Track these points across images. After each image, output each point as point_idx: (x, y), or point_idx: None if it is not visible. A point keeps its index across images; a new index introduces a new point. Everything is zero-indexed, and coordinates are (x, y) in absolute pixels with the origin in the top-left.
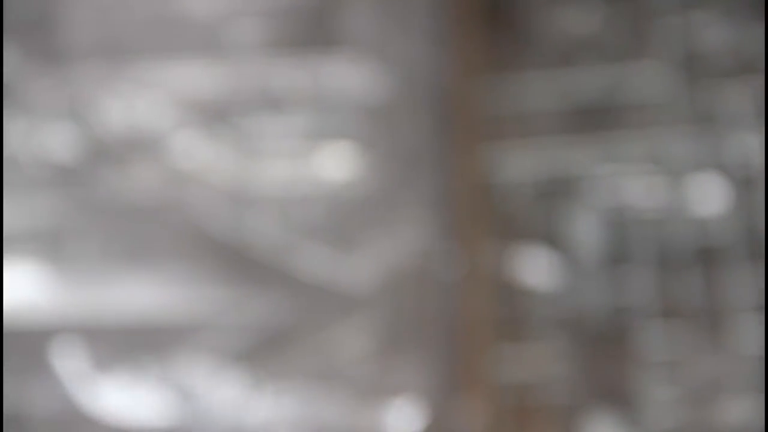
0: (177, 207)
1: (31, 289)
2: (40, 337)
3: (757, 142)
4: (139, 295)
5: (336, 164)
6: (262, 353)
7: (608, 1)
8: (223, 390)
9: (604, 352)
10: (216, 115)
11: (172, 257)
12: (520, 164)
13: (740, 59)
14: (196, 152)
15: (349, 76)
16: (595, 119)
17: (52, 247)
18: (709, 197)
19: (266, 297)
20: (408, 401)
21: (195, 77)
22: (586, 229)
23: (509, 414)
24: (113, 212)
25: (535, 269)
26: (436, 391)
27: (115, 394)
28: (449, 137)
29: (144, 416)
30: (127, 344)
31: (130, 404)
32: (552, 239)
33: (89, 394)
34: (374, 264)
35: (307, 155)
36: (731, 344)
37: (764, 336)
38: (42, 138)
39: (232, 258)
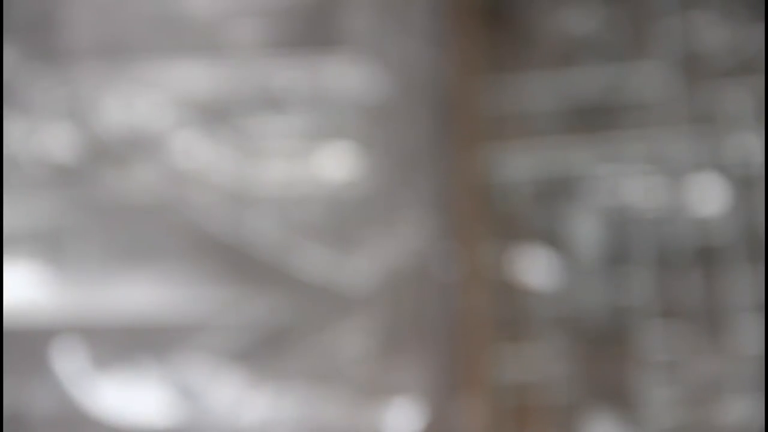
0: (177, 207)
1: (31, 289)
2: (40, 337)
3: (757, 142)
4: (139, 295)
5: (336, 164)
6: (262, 353)
7: (608, 2)
8: (222, 390)
9: (603, 352)
10: (216, 115)
11: (172, 257)
12: (520, 164)
13: (740, 59)
14: (196, 152)
15: (349, 76)
16: (595, 119)
17: (52, 247)
18: (709, 197)
19: (266, 297)
20: (408, 401)
21: (195, 77)
22: (586, 229)
23: (509, 414)
24: (113, 212)
25: (535, 269)
26: (436, 391)
27: (115, 394)
28: (449, 137)
29: (144, 416)
30: (127, 344)
31: (130, 404)
32: (552, 239)
33: (89, 394)
34: (374, 264)
35: (306, 155)
36: (731, 344)
37: (764, 336)
38: (42, 138)
39: (232, 258)
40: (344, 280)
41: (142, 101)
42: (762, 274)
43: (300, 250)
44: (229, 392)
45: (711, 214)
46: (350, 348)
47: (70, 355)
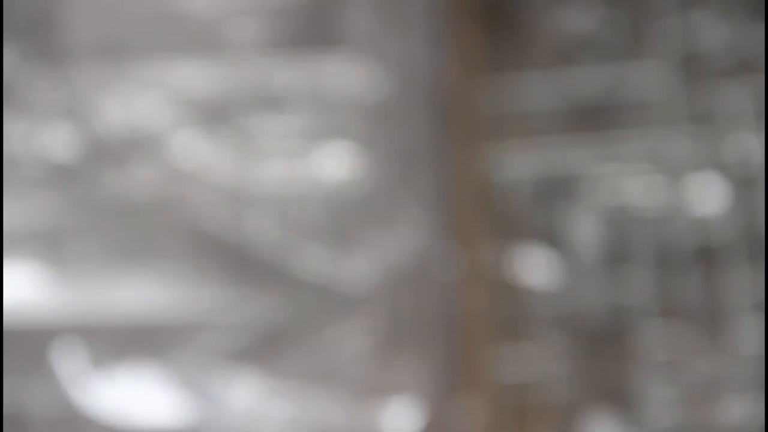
0: (177, 206)
1: (31, 289)
2: (40, 337)
3: (757, 142)
4: (139, 295)
5: (335, 164)
6: (262, 353)
7: (608, 1)
8: (222, 390)
9: (603, 351)
10: (216, 115)
11: (172, 257)
12: (520, 164)
13: (740, 59)
14: (196, 152)
15: (349, 76)
16: (595, 119)
17: (52, 247)
18: (709, 197)
19: (266, 297)
20: (407, 401)
21: (195, 77)
22: (585, 229)
23: (509, 414)
24: (113, 212)
25: (535, 269)
26: (435, 390)
27: (115, 394)
28: (449, 137)
29: (144, 416)
30: (127, 344)
31: (130, 404)
32: (552, 239)
33: (89, 394)
34: (374, 264)
35: (306, 155)
36: (731, 344)
37: (764, 336)
38: (42, 138)
39: (232, 258)
40: (344, 279)
41: (142, 101)
42: (762, 274)
43: (300, 249)
44: (229, 392)
45: (711, 213)
46: (350, 347)
47: (69, 355)
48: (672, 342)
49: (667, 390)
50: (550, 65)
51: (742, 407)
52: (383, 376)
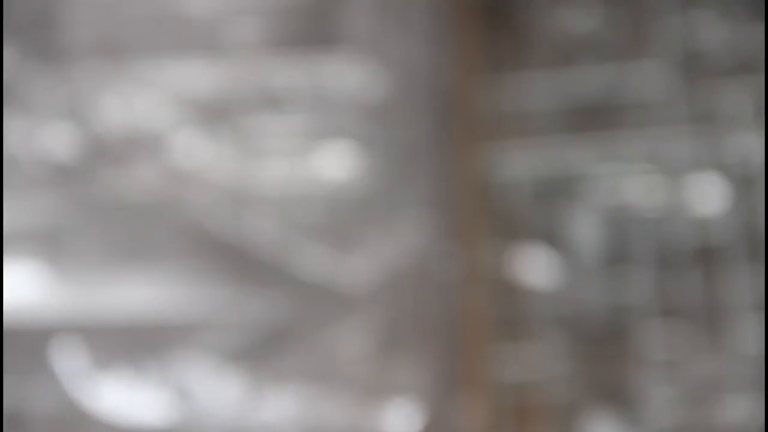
0: (177, 206)
1: (31, 288)
2: (40, 337)
3: (756, 142)
4: (139, 294)
5: (335, 163)
6: (262, 353)
7: (608, 1)
8: (222, 389)
9: (603, 351)
10: (216, 115)
11: (172, 257)
12: (520, 164)
13: (740, 59)
14: (196, 151)
15: (349, 76)
16: (595, 119)
17: (52, 246)
18: (709, 197)
19: (266, 296)
20: (407, 401)
21: (195, 76)
22: (585, 229)
23: (509, 413)
24: (113, 211)
25: (535, 269)
26: (435, 390)
27: (115, 394)
28: (448, 137)
29: (143, 415)
30: (126, 343)
31: (130, 403)
32: (552, 239)
33: (89, 394)
34: (374, 264)
35: (306, 154)
36: (731, 344)
37: (764, 336)
38: (42, 138)
39: (232, 258)
40: (344, 279)
41: (141, 100)
42: (762, 274)
43: (300, 249)
44: (229, 392)
45: (711, 213)
46: (350, 347)
47: (70, 354)
48: (672, 342)
49: (667, 390)
50: (551, 65)
51: (742, 407)
52: (383, 377)
